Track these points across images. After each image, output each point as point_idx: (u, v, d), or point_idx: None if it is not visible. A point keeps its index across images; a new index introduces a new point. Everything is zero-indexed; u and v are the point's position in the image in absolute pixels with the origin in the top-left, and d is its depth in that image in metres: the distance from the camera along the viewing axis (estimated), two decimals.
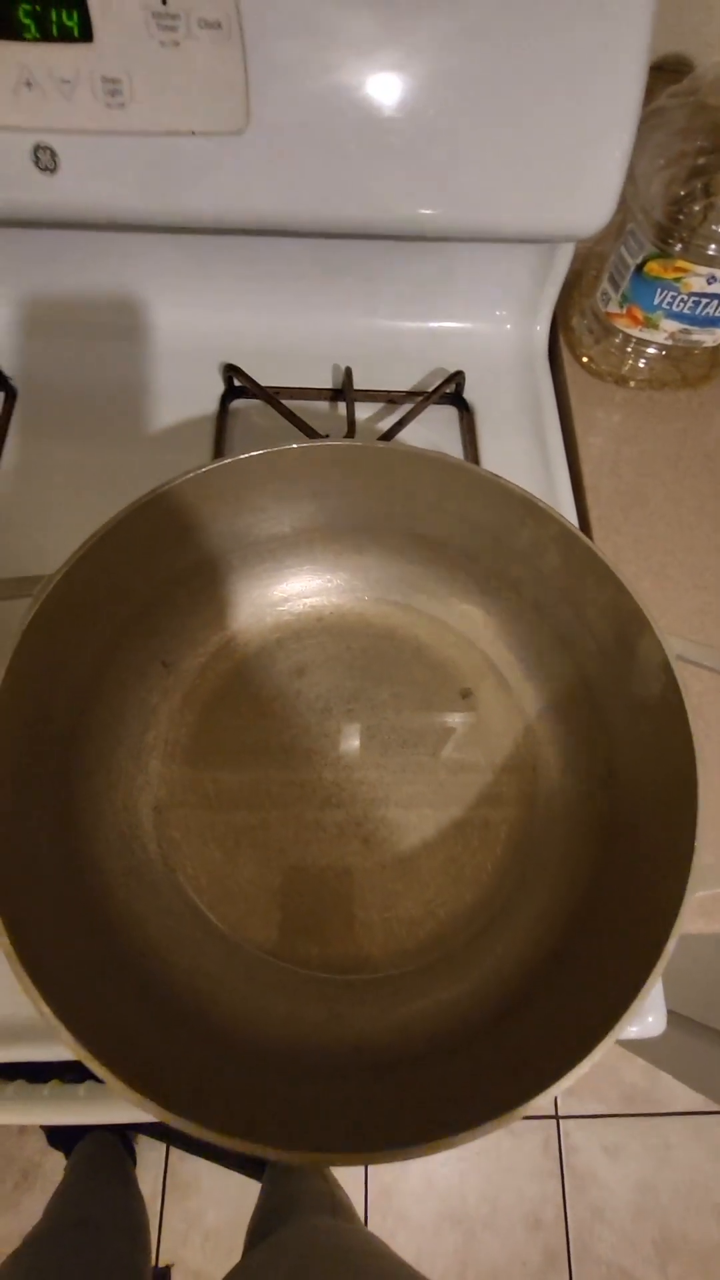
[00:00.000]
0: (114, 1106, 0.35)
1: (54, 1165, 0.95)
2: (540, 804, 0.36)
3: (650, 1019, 0.35)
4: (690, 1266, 0.91)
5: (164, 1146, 0.96)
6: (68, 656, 0.31)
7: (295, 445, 0.32)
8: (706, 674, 0.40)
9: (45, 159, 0.39)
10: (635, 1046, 0.86)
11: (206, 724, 0.37)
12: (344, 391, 0.49)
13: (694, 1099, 0.97)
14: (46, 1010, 0.22)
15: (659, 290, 0.44)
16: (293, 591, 0.39)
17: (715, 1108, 0.97)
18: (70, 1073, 0.37)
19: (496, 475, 0.32)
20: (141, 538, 0.32)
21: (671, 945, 0.24)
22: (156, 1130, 0.95)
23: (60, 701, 0.31)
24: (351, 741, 0.36)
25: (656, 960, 0.24)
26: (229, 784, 0.36)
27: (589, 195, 0.43)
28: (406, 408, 0.47)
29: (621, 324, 0.48)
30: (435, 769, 0.36)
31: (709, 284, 0.43)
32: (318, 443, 0.32)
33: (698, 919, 0.38)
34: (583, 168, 0.42)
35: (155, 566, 0.34)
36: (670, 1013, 0.69)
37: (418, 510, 0.36)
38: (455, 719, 0.37)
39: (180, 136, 0.38)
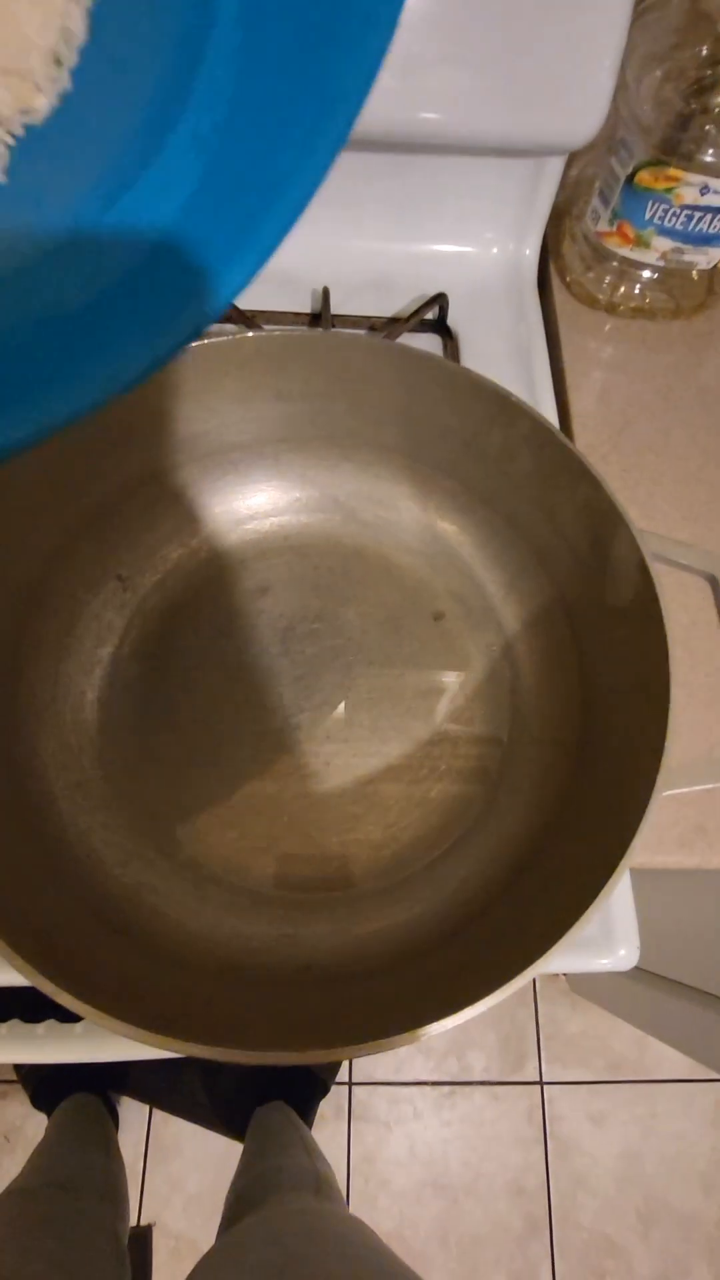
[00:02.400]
0: (71, 1044, 0.34)
1: (36, 1128, 0.95)
2: (515, 727, 0.34)
3: (622, 951, 0.33)
4: (672, 1234, 0.90)
5: (146, 1109, 0.96)
6: (7, 557, 0.29)
7: (249, 334, 0.30)
8: (682, 578, 0.38)
9: None
10: (618, 1006, 0.85)
11: (163, 641, 0.35)
12: (321, 316, 0.47)
13: (680, 1066, 0.96)
14: None
15: (650, 203, 0.42)
16: (258, 507, 0.38)
17: (703, 1075, 0.96)
18: (29, 1011, 0.36)
19: (463, 367, 0.30)
20: (86, 431, 0.30)
21: (638, 840, 0.23)
22: (139, 1092, 0.94)
23: (1, 603, 0.29)
24: (314, 663, 0.34)
25: (620, 858, 0.22)
26: (184, 703, 0.34)
27: (579, 100, 0.41)
28: (385, 333, 0.45)
29: (612, 243, 0.46)
30: (403, 692, 0.34)
31: (702, 195, 0.41)
32: (272, 330, 0.30)
33: (675, 851, 0.36)
34: (572, 71, 0.40)
35: (102, 469, 0.32)
36: (658, 976, 0.68)
37: (387, 418, 0.34)
38: (426, 641, 0.35)
39: None
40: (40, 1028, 0.35)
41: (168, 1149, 0.95)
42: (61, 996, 0.20)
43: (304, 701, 0.34)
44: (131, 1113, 0.96)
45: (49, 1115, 0.86)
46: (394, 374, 0.32)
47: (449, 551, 0.37)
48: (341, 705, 0.34)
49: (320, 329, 0.45)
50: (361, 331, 0.48)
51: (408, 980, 0.25)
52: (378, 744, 0.33)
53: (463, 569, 0.36)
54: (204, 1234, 0.91)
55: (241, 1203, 0.61)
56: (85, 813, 0.30)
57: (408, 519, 0.38)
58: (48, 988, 0.20)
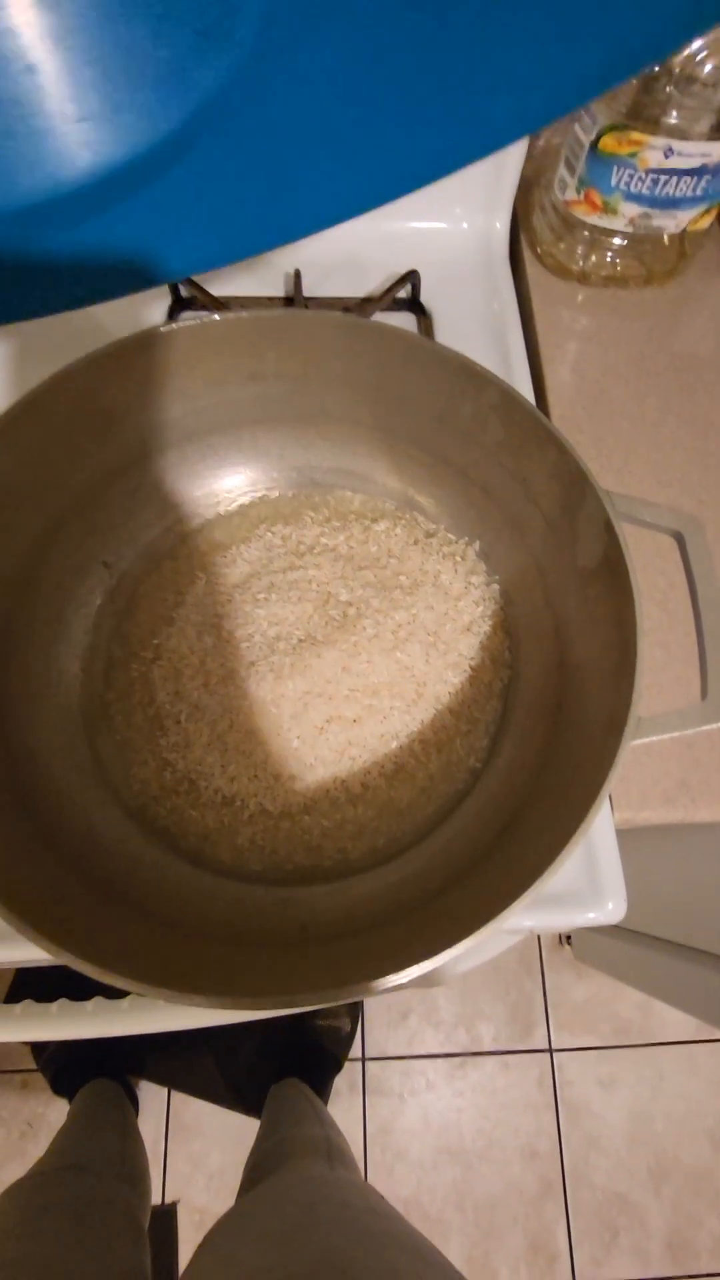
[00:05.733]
0: (83, 1021, 0.34)
1: (57, 1116, 0.97)
2: (496, 695, 0.35)
3: (610, 905, 0.34)
4: (683, 1188, 0.92)
5: (165, 1092, 0.98)
6: None
7: (217, 316, 0.30)
8: (658, 541, 0.38)
9: None
10: (622, 971, 0.86)
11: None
12: (294, 300, 0.47)
13: (686, 1028, 0.98)
14: None
15: (615, 168, 0.42)
16: (237, 487, 0.38)
17: (708, 1036, 0.98)
18: (42, 993, 0.37)
19: (431, 341, 0.30)
20: (64, 420, 0.30)
21: (608, 786, 0.24)
22: (157, 1075, 0.96)
23: None
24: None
25: (591, 803, 0.23)
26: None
27: None
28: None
29: (580, 211, 0.46)
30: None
31: (666, 157, 0.41)
32: (242, 313, 0.30)
33: (659, 806, 0.37)
34: None
35: (83, 457, 0.33)
36: (655, 938, 0.69)
37: (359, 396, 0.35)
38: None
39: None
40: (53, 1006, 0.36)
41: (188, 1129, 0.97)
42: (64, 956, 0.21)
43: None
44: (151, 1096, 0.97)
45: (70, 1100, 0.88)
46: (363, 350, 0.33)
47: (425, 524, 0.38)
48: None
49: (293, 309, 0.45)
50: (333, 311, 0.49)
51: (397, 932, 0.26)
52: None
53: (439, 541, 0.37)
54: (227, 1207, 0.94)
55: (256, 1172, 0.62)
56: (80, 790, 0.31)
57: (384, 493, 0.38)
58: (51, 949, 0.21)
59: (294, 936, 0.28)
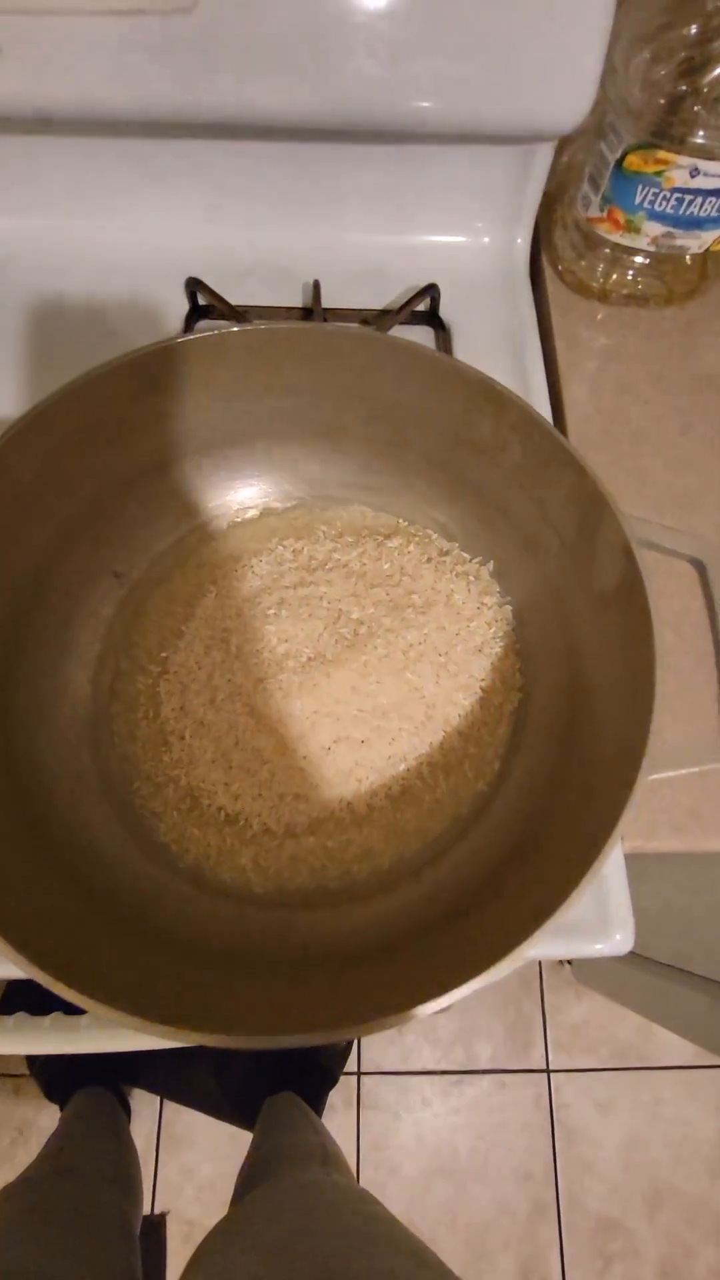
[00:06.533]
0: (77, 1037, 0.34)
1: (49, 1121, 0.96)
2: (506, 718, 0.34)
3: (618, 936, 0.34)
4: (678, 1216, 0.91)
5: (158, 1101, 0.97)
6: (3, 552, 0.30)
7: (234, 328, 0.30)
8: (674, 564, 0.38)
9: None
10: (621, 994, 0.85)
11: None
12: (313, 310, 0.47)
13: (685, 1053, 0.96)
14: None
15: (640, 187, 0.42)
16: (250, 502, 0.38)
17: (707, 1062, 0.96)
18: (36, 1004, 0.36)
19: (451, 358, 0.30)
20: (79, 429, 0.30)
21: (624, 822, 0.23)
22: (151, 1084, 0.95)
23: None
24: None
25: (606, 839, 0.22)
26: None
27: (567, 85, 0.41)
28: (376, 326, 0.45)
29: (603, 229, 0.46)
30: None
31: (691, 177, 0.40)
32: (259, 324, 0.30)
33: (669, 836, 0.36)
34: (559, 54, 0.40)
35: (96, 466, 0.32)
36: (657, 962, 0.68)
37: (376, 410, 0.35)
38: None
39: (125, 16, 0.36)
40: (47, 1020, 0.35)
41: (179, 1139, 0.96)
42: (58, 987, 0.20)
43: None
44: (143, 1105, 0.97)
45: (62, 1108, 0.88)
46: (381, 365, 0.32)
47: (439, 542, 0.37)
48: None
49: (310, 323, 0.45)
50: (354, 325, 0.48)
51: (403, 962, 0.25)
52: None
53: (453, 559, 0.37)
54: (217, 1220, 0.93)
55: (251, 1178, 0.62)
56: (84, 804, 0.30)
57: (398, 510, 0.38)
58: (46, 980, 0.20)
59: (295, 959, 0.27)
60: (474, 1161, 0.94)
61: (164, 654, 0.34)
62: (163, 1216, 0.93)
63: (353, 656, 0.32)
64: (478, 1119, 0.95)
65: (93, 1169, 0.65)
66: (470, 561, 0.36)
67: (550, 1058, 0.97)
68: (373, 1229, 0.44)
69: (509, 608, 0.35)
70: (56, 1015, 0.35)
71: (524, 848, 0.28)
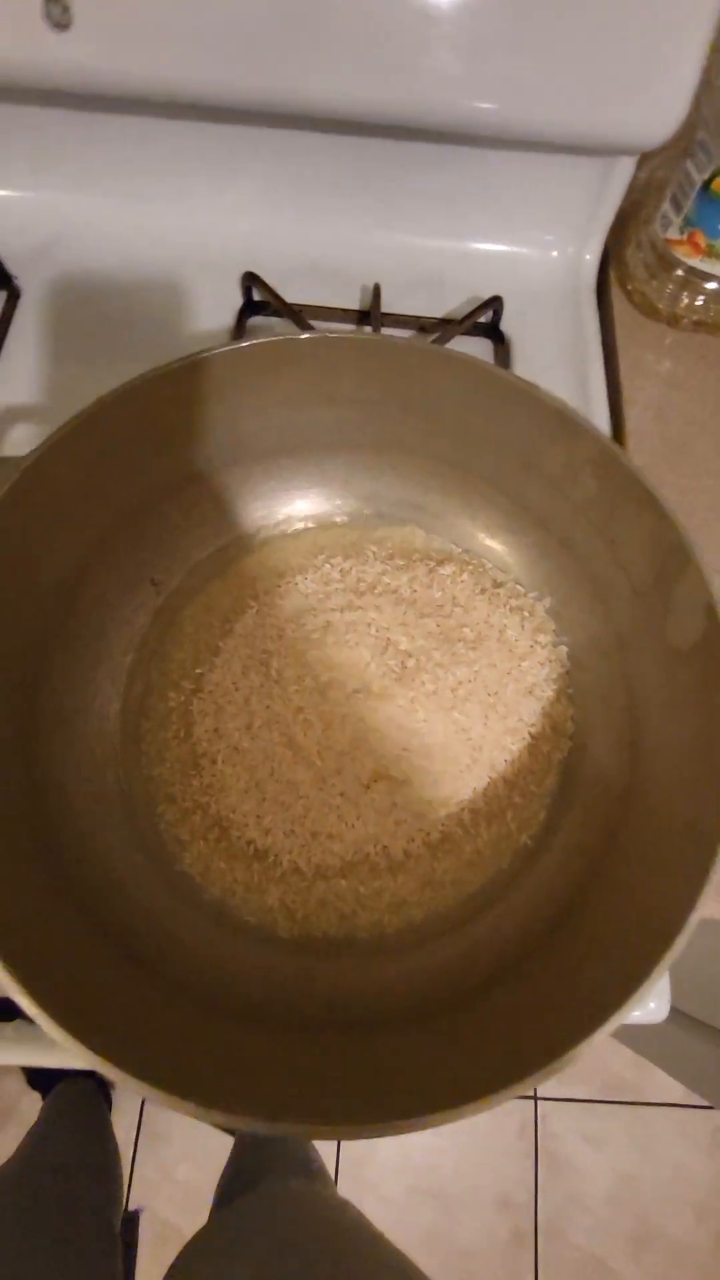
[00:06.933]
0: (42, 1049, 0.33)
1: (30, 1106, 0.95)
2: (554, 768, 0.32)
3: (653, 1005, 0.32)
4: (665, 1260, 0.89)
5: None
6: (41, 554, 0.28)
7: (303, 335, 0.28)
8: None
9: (57, 13, 0.35)
10: (628, 1037, 0.83)
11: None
12: (370, 314, 0.45)
13: (678, 1091, 0.95)
14: None
15: None
16: (298, 514, 0.36)
17: (700, 1102, 0.94)
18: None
19: (528, 381, 0.28)
20: (125, 434, 0.28)
21: (692, 923, 0.21)
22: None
23: (29, 604, 0.28)
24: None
25: (671, 944, 0.20)
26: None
27: (657, 97, 0.38)
28: (437, 335, 0.43)
29: (680, 252, 0.44)
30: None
31: None
32: (325, 331, 0.28)
33: (712, 902, 0.34)
34: (651, 64, 0.38)
35: (142, 469, 0.30)
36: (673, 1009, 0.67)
37: (439, 428, 0.33)
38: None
39: None
40: (9, 1028, 0.34)
41: (159, 1135, 0.95)
42: (56, 1032, 0.18)
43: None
44: (125, 1098, 0.96)
45: (44, 1095, 0.87)
46: (452, 383, 0.30)
47: (494, 572, 0.35)
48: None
49: (370, 328, 0.43)
50: (412, 332, 0.46)
51: (432, 1040, 0.23)
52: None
53: (508, 591, 0.35)
54: (191, 1223, 0.91)
55: (235, 1184, 0.61)
56: (105, 829, 0.29)
57: (453, 533, 0.36)
58: (50, 1026, 0.19)
59: (319, 1018, 0.26)
60: (456, 1185, 0.92)
61: (199, 670, 0.33)
62: (137, 1213, 0.92)
63: (400, 691, 0.30)
64: (464, 1141, 0.94)
65: (80, 1168, 0.65)
66: (525, 595, 0.34)
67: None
68: (362, 1245, 0.44)
69: (564, 648, 0.33)
70: (19, 1023, 0.34)
71: (571, 915, 0.26)
